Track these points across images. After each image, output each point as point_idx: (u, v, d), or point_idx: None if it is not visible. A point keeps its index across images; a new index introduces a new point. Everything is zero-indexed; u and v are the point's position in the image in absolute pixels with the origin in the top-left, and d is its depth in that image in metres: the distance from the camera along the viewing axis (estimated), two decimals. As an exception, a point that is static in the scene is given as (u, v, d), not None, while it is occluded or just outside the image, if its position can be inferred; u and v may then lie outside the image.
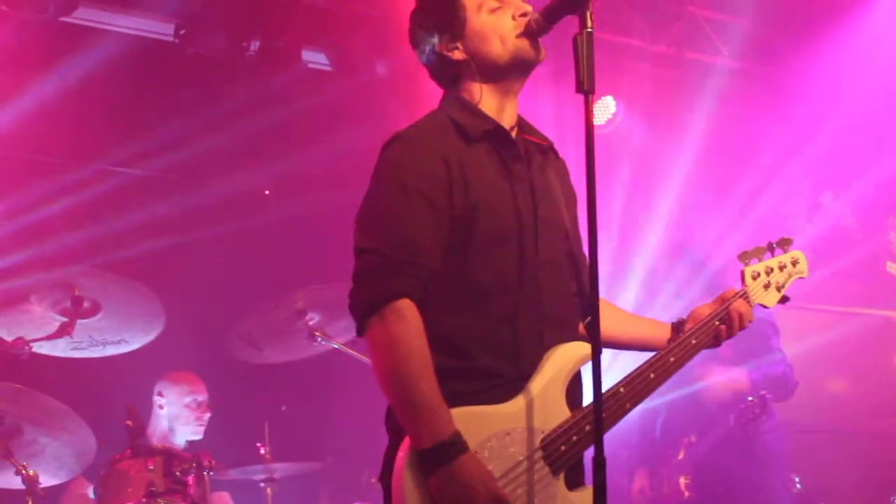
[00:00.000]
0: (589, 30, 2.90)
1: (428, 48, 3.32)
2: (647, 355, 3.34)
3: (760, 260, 3.60)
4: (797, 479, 6.84)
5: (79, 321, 5.90)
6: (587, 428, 3.06)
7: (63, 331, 5.85)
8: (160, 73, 7.05)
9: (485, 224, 3.11)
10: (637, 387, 3.22)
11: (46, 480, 5.60)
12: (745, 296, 3.49)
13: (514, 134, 3.33)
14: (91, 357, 6.14)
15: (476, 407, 3.02)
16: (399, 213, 3.06)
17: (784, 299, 3.61)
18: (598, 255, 2.85)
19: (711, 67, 8.31)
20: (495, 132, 3.25)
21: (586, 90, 2.87)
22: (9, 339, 5.78)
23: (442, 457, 2.85)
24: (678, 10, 8.05)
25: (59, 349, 5.97)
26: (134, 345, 6.18)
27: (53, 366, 6.07)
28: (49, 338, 5.84)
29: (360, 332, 3.04)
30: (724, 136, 8.38)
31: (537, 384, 3.10)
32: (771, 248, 3.63)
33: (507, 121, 3.32)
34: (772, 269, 3.60)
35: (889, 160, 7.92)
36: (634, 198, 8.14)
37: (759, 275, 3.56)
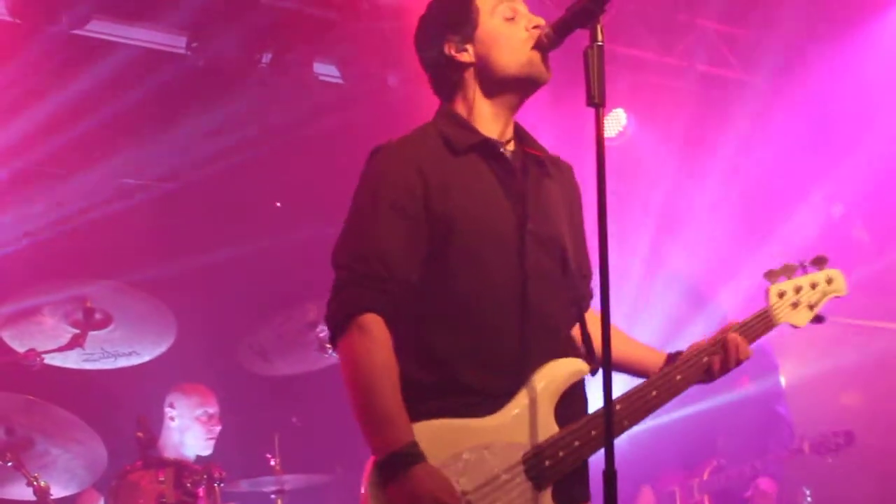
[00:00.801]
0: (599, 43, 2.89)
1: (436, 49, 3.29)
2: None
3: (790, 278, 3.50)
4: (808, 493, 6.82)
5: (90, 333, 5.95)
6: (576, 444, 3.05)
7: (75, 342, 5.89)
8: (173, 85, 7.06)
9: (465, 235, 3.11)
10: (636, 404, 3.18)
11: (58, 492, 5.63)
12: (765, 318, 3.42)
13: (510, 146, 3.31)
14: (103, 369, 6.17)
15: (454, 420, 3.02)
16: (367, 225, 3.08)
17: (818, 319, 3.50)
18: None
19: (722, 80, 8.31)
20: (482, 145, 3.24)
21: (597, 103, 2.86)
22: (21, 350, 5.83)
23: (395, 467, 2.86)
24: (689, 23, 8.04)
25: (71, 361, 6.00)
26: (145, 357, 6.21)
27: (65, 377, 6.10)
28: (61, 349, 5.88)
29: (333, 345, 3.10)
30: (735, 147, 8.38)
31: (523, 399, 3.08)
32: (803, 266, 3.53)
33: (502, 134, 3.30)
34: (801, 288, 3.49)
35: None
36: (646, 212, 8.15)
37: (784, 293, 3.47)
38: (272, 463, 6.10)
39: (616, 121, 8.29)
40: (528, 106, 3.38)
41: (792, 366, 7.94)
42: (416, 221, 3.09)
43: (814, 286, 3.50)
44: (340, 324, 3.00)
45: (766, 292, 3.47)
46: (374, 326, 2.98)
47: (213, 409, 6.28)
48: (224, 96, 7.18)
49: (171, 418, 6.25)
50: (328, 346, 6.13)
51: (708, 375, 3.33)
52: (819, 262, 3.55)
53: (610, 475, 2.75)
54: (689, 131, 8.37)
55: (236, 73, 7.13)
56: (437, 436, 2.97)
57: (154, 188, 7.48)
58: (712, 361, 3.31)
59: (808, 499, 6.76)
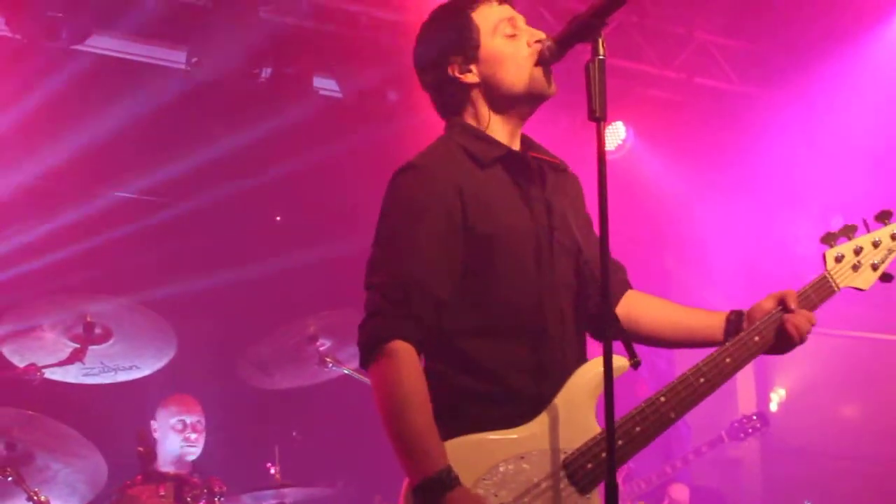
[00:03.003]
0: (601, 57, 2.89)
1: (438, 70, 3.28)
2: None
3: (850, 238, 3.33)
4: (808, 504, 6.84)
5: (91, 347, 5.95)
6: (619, 443, 3.03)
7: (75, 357, 5.90)
8: (172, 101, 7.08)
9: (505, 249, 3.11)
10: (682, 394, 3.14)
11: (58, 506, 5.61)
12: (823, 285, 3.29)
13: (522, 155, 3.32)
14: (103, 383, 6.16)
15: (489, 434, 3.02)
16: (405, 250, 3.06)
17: (886, 277, 3.32)
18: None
19: (721, 93, 8.33)
20: (508, 157, 3.24)
21: (598, 118, 2.87)
22: (21, 365, 5.82)
23: (431, 494, 2.86)
24: (687, 36, 8.06)
25: (71, 375, 6.00)
26: (145, 371, 6.20)
27: (65, 392, 6.10)
28: (61, 364, 5.88)
29: (363, 368, 3.08)
30: (734, 160, 8.40)
31: (561, 403, 3.09)
32: (865, 225, 3.36)
33: (514, 144, 3.31)
34: (861, 248, 3.32)
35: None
36: (644, 222, 8.16)
37: (842, 257, 3.30)
38: (273, 476, 6.08)
39: (615, 134, 8.31)
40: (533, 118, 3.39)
41: (790, 376, 7.96)
42: (455, 243, 3.08)
43: (876, 245, 3.35)
44: (371, 350, 3.00)
45: (823, 257, 3.33)
46: (404, 353, 2.97)
47: (190, 417, 6.23)
48: (223, 111, 7.20)
49: (154, 430, 6.25)
50: (328, 359, 6.13)
51: (769, 352, 3.27)
52: (883, 217, 3.38)
53: (611, 486, 2.76)
54: (687, 144, 8.39)
55: (236, 87, 7.14)
56: (472, 451, 2.98)
57: (153, 202, 7.48)
58: (772, 344, 3.24)
59: (810, 510, 6.78)
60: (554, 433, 3.06)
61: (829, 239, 3.34)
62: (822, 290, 3.30)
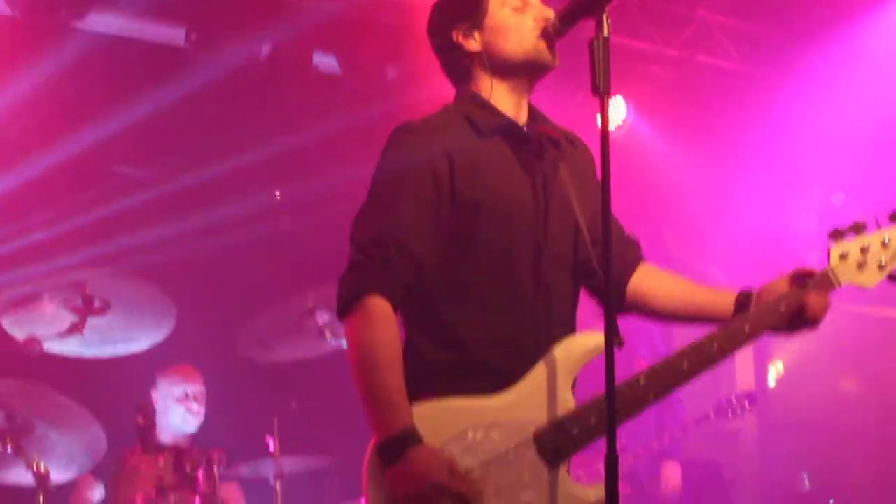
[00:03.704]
0: (605, 34, 2.91)
1: (445, 36, 3.33)
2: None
3: (859, 234, 3.29)
4: (806, 477, 6.83)
5: (90, 319, 5.95)
6: (593, 420, 3.02)
7: (74, 329, 5.90)
8: (171, 78, 7.08)
9: (492, 217, 3.12)
10: (662, 376, 3.12)
11: (57, 476, 5.62)
12: (824, 281, 3.26)
13: (526, 128, 3.33)
14: (102, 355, 6.18)
15: (460, 399, 3.03)
16: (389, 209, 3.09)
17: (895, 278, 3.27)
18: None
19: (722, 71, 8.32)
20: (508, 127, 3.26)
21: (602, 92, 2.88)
22: (20, 337, 5.83)
23: (393, 450, 2.88)
24: (689, 14, 8.05)
25: (71, 347, 6.01)
26: (144, 343, 6.22)
27: (64, 364, 6.11)
28: (60, 336, 5.89)
29: (340, 320, 3.12)
30: (735, 138, 8.39)
31: (538, 376, 3.08)
32: (877, 223, 3.31)
33: (520, 116, 3.33)
34: (868, 247, 3.26)
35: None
36: (645, 200, 8.15)
37: (848, 254, 3.26)
38: (271, 447, 6.11)
39: (616, 111, 8.30)
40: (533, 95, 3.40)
41: (788, 350, 7.96)
42: (440, 207, 3.10)
43: (885, 244, 3.29)
44: (347, 303, 3.03)
45: (828, 254, 3.30)
46: (380, 309, 2.99)
47: (193, 388, 6.25)
48: (223, 88, 7.20)
49: (155, 401, 6.27)
50: (327, 332, 6.14)
51: (785, 328, 3.24)
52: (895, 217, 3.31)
53: (611, 460, 2.75)
54: (688, 122, 8.39)
55: (235, 64, 7.14)
56: (441, 415, 2.99)
57: (153, 177, 7.50)
58: (784, 324, 3.23)
59: (807, 483, 6.77)
60: (527, 405, 3.05)
61: (836, 235, 3.30)
62: (822, 285, 3.26)
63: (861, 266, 3.28)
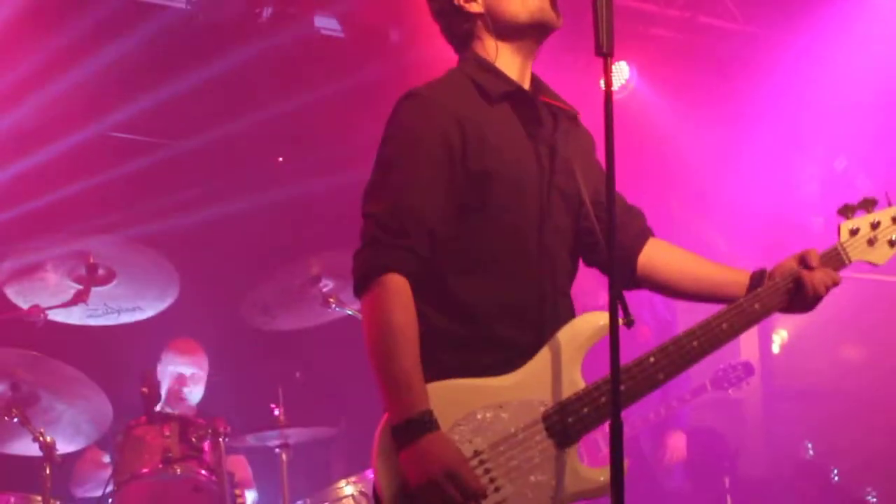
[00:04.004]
0: None
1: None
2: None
3: (869, 212, 3.28)
4: (810, 445, 6.85)
5: (94, 289, 5.94)
6: (602, 400, 2.99)
7: (78, 298, 5.89)
8: (173, 40, 7.02)
9: (501, 186, 3.08)
10: (672, 356, 3.09)
11: (63, 447, 5.63)
12: (833, 257, 3.23)
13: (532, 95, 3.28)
14: (106, 325, 6.17)
15: (470, 379, 3.01)
16: (403, 178, 3.03)
17: None
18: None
19: (725, 32, 8.27)
20: (517, 94, 3.21)
21: (605, 53, 2.81)
22: (25, 306, 5.83)
23: (408, 434, 2.85)
24: (691, -26, 7.99)
25: (75, 317, 6.01)
26: (149, 312, 6.21)
27: (69, 333, 6.11)
28: (64, 305, 5.88)
29: (356, 296, 3.06)
30: (738, 100, 8.34)
31: (546, 355, 3.06)
32: (887, 199, 3.30)
33: (525, 81, 3.28)
34: (879, 223, 3.26)
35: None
36: (647, 164, 8.13)
37: (858, 230, 3.24)
38: (276, 417, 6.12)
39: (618, 73, 8.25)
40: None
41: (792, 318, 7.94)
42: (452, 175, 3.05)
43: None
44: (365, 279, 2.98)
45: (837, 229, 3.27)
46: (399, 286, 2.95)
47: (189, 369, 6.26)
48: (225, 51, 7.14)
49: (159, 374, 6.31)
50: (331, 300, 6.12)
51: (791, 306, 3.21)
52: None
53: (616, 427, 2.71)
54: (691, 83, 8.34)
55: (236, 27, 7.08)
56: (451, 396, 2.96)
57: (155, 143, 7.45)
58: (785, 305, 3.19)
59: (811, 451, 6.79)
60: (536, 385, 3.03)
61: (846, 211, 3.29)
62: (832, 262, 3.24)
63: (871, 242, 3.26)
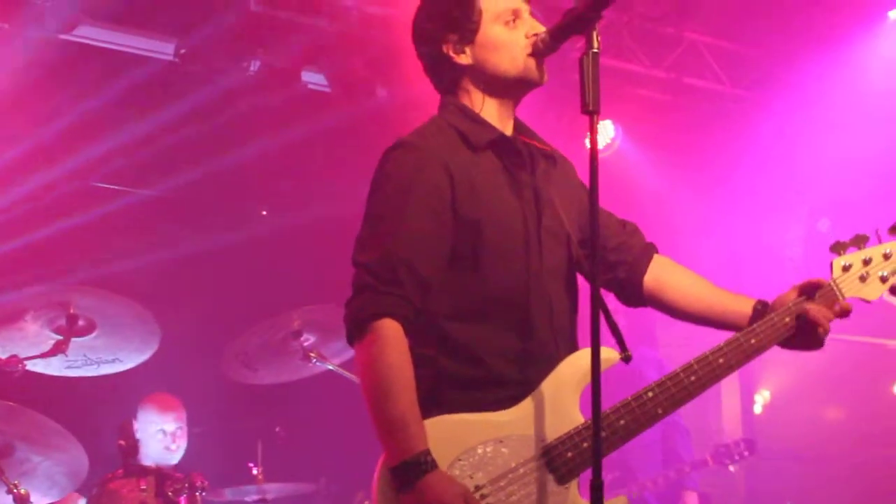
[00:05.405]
0: (595, 50, 2.88)
1: (433, 46, 3.28)
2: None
3: (860, 248, 3.28)
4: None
5: (73, 339, 5.88)
6: (602, 434, 2.93)
7: (57, 349, 5.83)
8: (160, 91, 7.04)
9: (493, 234, 3.11)
10: (670, 390, 3.11)
11: (38, 499, 5.56)
12: (828, 293, 3.23)
13: (513, 139, 3.30)
14: (85, 376, 6.12)
15: (470, 414, 3.02)
16: (394, 228, 3.04)
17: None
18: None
19: (710, 93, 8.33)
20: (499, 141, 3.24)
21: (592, 111, 2.85)
22: (3, 356, 5.75)
23: (408, 475, 2.85)
24: (677, 36, 8.06)
25: (54, 367, 5.94)
26: (128, 364, 6.15)
27: (47, 384, 6.04)
28: (43, 356, 5.81)
29: (350, 345, 3.06)
30: (722, 162, 8.39)
31: (545, 391, 3.08)
32: (878, 236, 3.29)
33: (507, 127, 3.30)
34: (870, 259, 3.26)
35: (886, 187, 7.92)
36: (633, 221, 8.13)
37: (850, 266, 3.25)
38: (255, 472, 6.06)
39: (604, 132, 8.30)
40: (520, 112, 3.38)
41: (774, 379, 7.95)
42: (443, 224, 3.07)
43: (887, 257, 3.29)
44: (359, 326, 2.98)
45: (830, 266, 3.27)
46: (392, 332, 2.96)
47: (170, 426, 6.17)
48: (212, 103, 7.16)
49: (136, 430, 6.21)
50: (312, 355, 6.09)
51: (790, 341, 3.23)
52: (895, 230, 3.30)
53: (597, 485, 2.73)
54: (677, 144, 8.38)
55: (225, 80, 7.11)
56: (451, 431, 2.98)
57: (140, 193, 7.45)
58: (793, 335, 3.20)
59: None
60: (536, 420, 3.05)
61: (838, 248, 3.30)
62: (826, 299, 3.25)
63: (863, 278, 3.27)
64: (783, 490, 7.27)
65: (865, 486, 7.80)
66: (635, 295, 3.43)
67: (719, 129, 8.49)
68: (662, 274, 3.42)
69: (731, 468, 6.67)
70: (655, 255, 3.46)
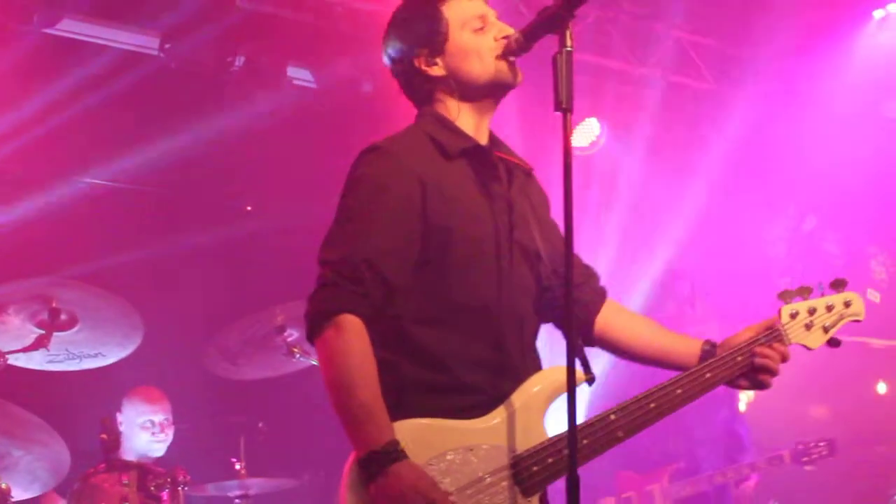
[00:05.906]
0: (568, 49, 2.91)
1: (405, 62, 3.30)
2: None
3: (805, 299, 3.43)
4: (776, 504, 6.82)
5: (56, 334, 5.87)
6: (565, 451, 2.97)
7: (39, 343, 5.81)
8: (144, 87, 7.02)
9: (461, 243, 3.12)
10: (633, 415, 3.16)
11: (19, 494, 5.57)
12: (777, 337, 3.35)
13: (487, 151, 3.32)
14: (67, 370, 6.09)
15: (442, 420, 3.03)
16: (361, 229, 3.06)
17: (834, 342, 3.42)
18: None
19: (694, 90, 8.35)
20: (474, 151, 3.26)
21: (565, 108, 2.89)
22: (-16, 351, 5.74)
23: (376, 465, 2.85)
24: (662, 34, 8.07)
25: (35, 362, 5.93)
26: (111, 358, 6.14)
27: (29, 378, 6.02)
28: (25, 350, 5.80)
29: (310, 342, 3.07)
30: (707, 159, 8.40)
31: (515, 403, 3.09)
32: (820, 288, 3.45)
33: (481, 136, 3.32)
34: (815, 310, 3.41)
35: (872, 186, 7.94)
36: (617, 220, 8.15)
37: (797, 314, 3.39)
38: (238, 467, 6.05)
39: (589, 130, 8.31)
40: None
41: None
42: (411, 229, 3.09)
43: (830, 309, 3.43)
44: (319, 321, 2.98)
45: (778, 312, 3.41)
46: (353, 325, 2.96)
47: (158, 416, 6.16)
48: (196, 98, 7.15)
49: (120, 423, 6.19)
50: (295, 350, 6.08)
51: (738, 381, 3.33)
52: (838, 286, 3.47)
53: (573, 481, 2.76)
54: (662, 140, 8.39)
55: (210, 75, 7.09)
56: (422, 435, 2.98)
57: (124, 188, 7.43)
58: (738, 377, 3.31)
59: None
60: (505, 431, 3.07)
61: (785, 296, 3.43)
62: (774, 341, 3.34)
63: (808, 327, 3.40)
64: (767, 489, 7.28)
65: (850, 485, 7.82)
66: (585, 334, 3.47)
67: (704, 127, 8.51)
68: (612, 317, 3.50)
69: (808, 468, 6.56)
70: (607, 299, 3.52)
